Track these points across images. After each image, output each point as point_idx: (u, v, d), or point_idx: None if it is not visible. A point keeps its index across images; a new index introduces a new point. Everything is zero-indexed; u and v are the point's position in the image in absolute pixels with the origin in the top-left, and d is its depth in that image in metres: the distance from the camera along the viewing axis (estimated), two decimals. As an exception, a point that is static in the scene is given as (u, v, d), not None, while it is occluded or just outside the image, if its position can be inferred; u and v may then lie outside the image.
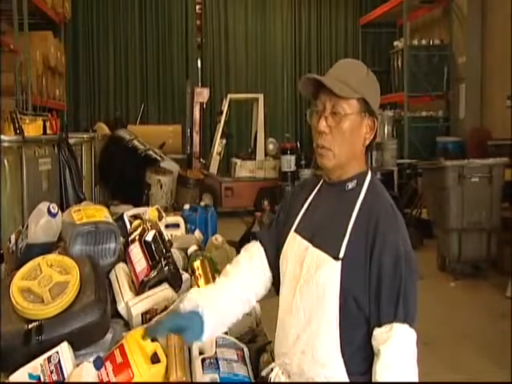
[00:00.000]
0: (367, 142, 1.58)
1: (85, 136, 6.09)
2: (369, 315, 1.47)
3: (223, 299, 1.67)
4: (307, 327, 1.53)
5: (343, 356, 1.49)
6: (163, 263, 1.95)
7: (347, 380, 1.49)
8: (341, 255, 1.48)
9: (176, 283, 1.99)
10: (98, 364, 1.55)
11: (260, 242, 1.76)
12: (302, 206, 1.66)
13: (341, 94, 1.51)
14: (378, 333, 1.46)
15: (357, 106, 1.53)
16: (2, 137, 3.82)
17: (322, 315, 1.50)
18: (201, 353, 1.72)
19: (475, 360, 4.16)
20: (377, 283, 1.46)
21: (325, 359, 1.50)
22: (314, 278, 1.51)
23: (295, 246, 1.60)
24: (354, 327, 1.49)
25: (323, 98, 1.55)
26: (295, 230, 1.63)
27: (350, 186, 1.57)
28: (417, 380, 1.46)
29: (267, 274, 1.74)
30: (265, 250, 1.74)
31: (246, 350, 1.83)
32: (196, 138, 10.05)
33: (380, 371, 1.44)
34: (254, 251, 1.76)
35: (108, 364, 1.58)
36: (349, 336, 1.49)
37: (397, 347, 1.43)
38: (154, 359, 1.59)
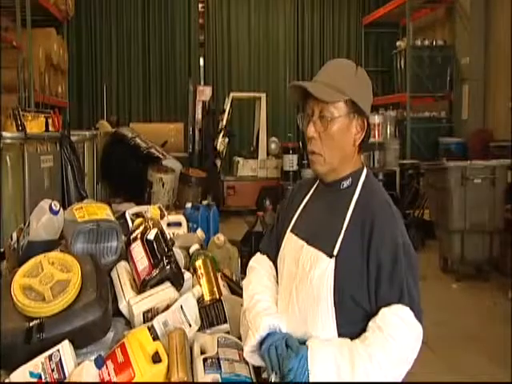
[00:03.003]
0: (358, 142, 1.58)
1: (87, 133, 6.10)
2: (369, 311, 1.46)
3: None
4: (303, 326, 1.53)
5: None
6: (165, 262, 1.94)
7: None
8: (335, 252, 1.48)
9: (178, 282, 1.98)
10: (99, 363, 1.55)
11: (266, 254, 1.78)
12: (299, 206, 1.66)
13: (325, 99, 1.51)
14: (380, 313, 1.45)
15: (344, 108, 1.53)
16: (4, 133, 3.82)
17: (317, 313, 1.50)
18: (202, 352, 1.71)
19: (477, 361, 4.15)
20: (376, 279, 1.45)
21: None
22: (309, 276, 1.51)
23: (291, 245, 1.61)
24: (351, 324, 1.48)
25: (311, 103, 1.55)
26: (291, 230, 1.64)
27: (345, 184, 1.57)
28: (403, 371, 1.44)
29: None
30: (272, 261, 1.75)
31: (247, 350, 1.82)
32: (198, 136, 10.04)
33: (372, 329, 1.43)
34: (264, 261, 1.78)
35: (109, 363, 1.57)
36: (346, 333, 1.48)
37: (398, 322, 1.41)
38: (156, 359, 1.59)
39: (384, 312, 1.42)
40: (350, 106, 1.54)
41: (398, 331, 1.40)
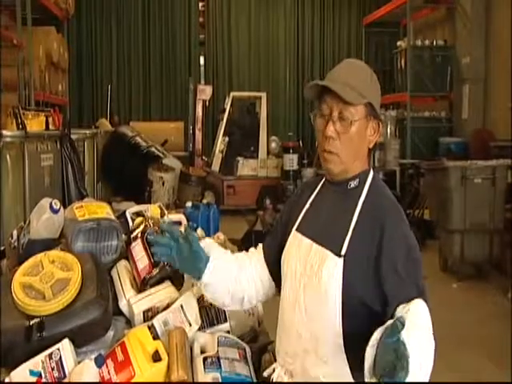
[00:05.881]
0: (372, 145, 1.60)
1: (87, 132, 6.09)
2: (376, 309, 1.45)
3: (233, 261, 1.71)
4: (310, 325, 1.53)
5: (346, 353, 1.48)
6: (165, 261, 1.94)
7: (350, 377, 1.48)
8: (343, 252, 1.48)
9: (178, 281, 1.99)
10: (100, 361, 1.55)
11: (263, 248, 1.77)
12: (304, 205, 1.66)
13: (352, 102, 1.51)
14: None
15: (364, 110, 1.54)
16: (5, 132, 3.82)
17: (324, 312, 1.49)
18: (202, 352, 1.71)
19: (477, 361, 4.15)
20: (393, 278, 1.44)
21: (328, 356, 1.49)
22: (317, 274, 1.51)
23: (297, 244, 1.61)
24: (357, 324, 1.48)
25: (329, 102, 1.54)
26: (297, 229, 1.63)
27: (353, 184, 1.58)
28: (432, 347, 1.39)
29: (266, 279, 1.74)
30: (265, 257, 1.75)
31: (247, 349, 1.82)
32: (198, 135, 10.05)
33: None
34: (259, 253, 1.77)
35: (109, 362, 1.57)
36: (352, 333, 1.48)
37: (416, 310, 1.35)
38: (156, 357, 1.59)
39: (412, 305, 1.36)
40: (368, 109, 1.55)
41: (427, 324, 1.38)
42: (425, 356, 1.31)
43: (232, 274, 1.68)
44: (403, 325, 1.22)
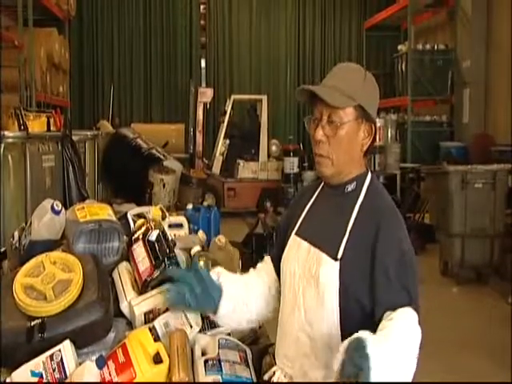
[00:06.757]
0: (365, 148, 1.60)
1: (88, 133, 6.10)
2: (372, 311, 1.46)
3: (242, 286, 1.72)
4: (308, 328, 1.53)
5: None
6: (167, 263, 1.94)
7: None
8: (339, 255, 1.49)
9: (179, 283, 1.98)
10: (101, 363, 1.55)
11: (271, 259, 1.79)
12: (303, 209, 1.67)
13: (335, 105, 1.52)
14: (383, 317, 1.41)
15: (353, 113, 1.54)
16: (7, 133, 3.83)
17: (322, 315, 1.50)
18: (203, 354, 1.71)
19: (477, 365, 4.14)
20: (382, 282, 1.45)
21: (327, 359, 1.49)
22: (315, 278, 1.52)
23: (296, 248, 1.62)
24: (355, 326, 1.47)
25: (319, 107, 1.55)
26: (296, 233, 1.64)
27: (350, 188, 1.58)
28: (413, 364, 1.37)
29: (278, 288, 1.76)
30: (274, 267, 1.76)
31: (248, 351, 1.82)
32: (199, 137, 10.06)
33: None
34: (269, 265, 1.79)
35: (110, 363, 1.57)
36: (348, 331, 1.47)
37: (398, 319, 1.37)
38: (157, 359, 1.59)
39: (396, 314, 1.39)
40: (359, 112, 1.55)
41: (410, 332, 1.37)
42: (395, 367, 1.29)
43: (242, 299, 1.71)
44: (364, 347, 1.21)
